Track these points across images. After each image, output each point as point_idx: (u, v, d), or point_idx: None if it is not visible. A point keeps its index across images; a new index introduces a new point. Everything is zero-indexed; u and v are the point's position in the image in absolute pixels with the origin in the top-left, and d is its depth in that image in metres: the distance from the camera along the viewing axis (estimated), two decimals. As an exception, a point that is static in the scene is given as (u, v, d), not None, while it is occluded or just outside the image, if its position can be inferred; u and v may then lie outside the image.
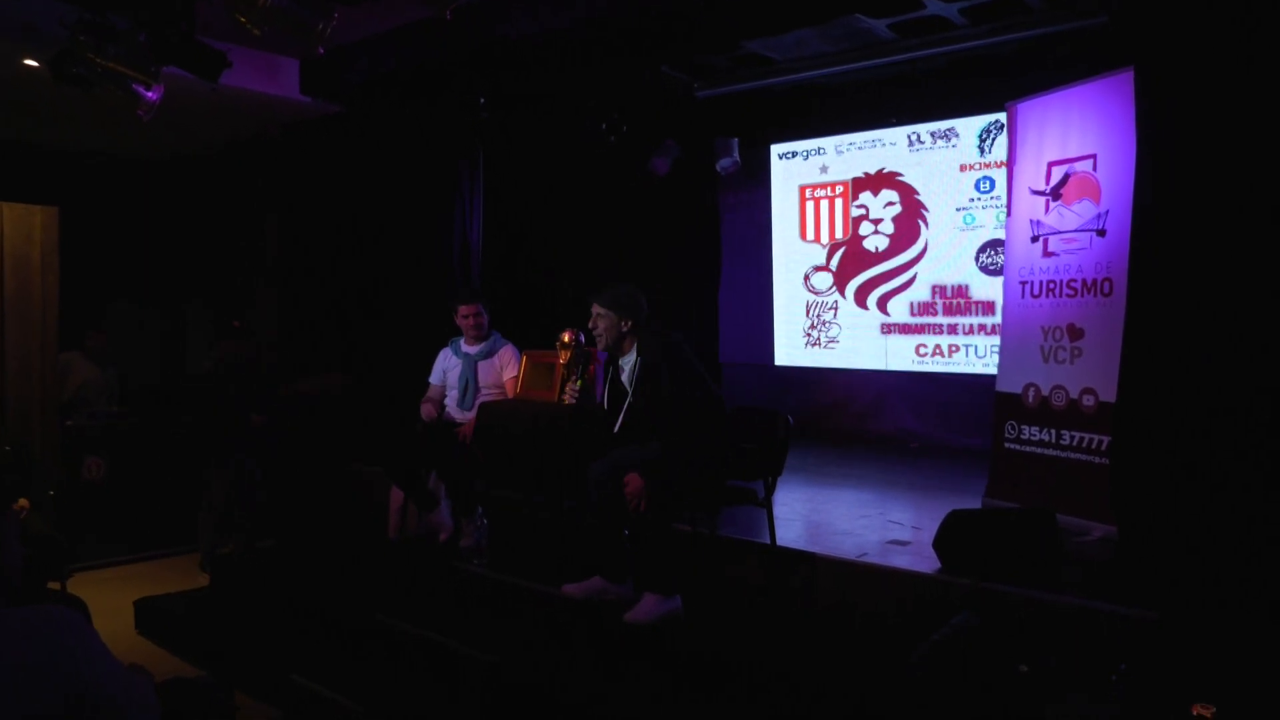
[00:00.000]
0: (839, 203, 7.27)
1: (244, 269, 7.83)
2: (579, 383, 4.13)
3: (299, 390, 6.38)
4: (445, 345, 4.74)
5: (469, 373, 4.56)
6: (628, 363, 3.54)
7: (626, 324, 3.50)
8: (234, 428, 5.04)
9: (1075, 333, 4.09)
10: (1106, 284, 3.96)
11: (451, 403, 4.55)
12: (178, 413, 5.86)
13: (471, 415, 4.43)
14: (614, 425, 3.57)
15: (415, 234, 6.41)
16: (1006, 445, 4.36)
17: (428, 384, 4.72)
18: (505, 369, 4.57)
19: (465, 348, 4.64)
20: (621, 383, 3.59)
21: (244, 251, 7.83)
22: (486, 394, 4.56)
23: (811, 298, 7.45)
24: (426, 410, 4.48)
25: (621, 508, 3.50)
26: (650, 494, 3.23)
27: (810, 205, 7.44)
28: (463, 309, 4.58)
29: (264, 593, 4.34)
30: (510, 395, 4.49)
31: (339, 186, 6.79)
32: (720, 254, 7.65)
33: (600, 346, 3.55)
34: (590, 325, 3.54)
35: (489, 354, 4.59)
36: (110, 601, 4.32)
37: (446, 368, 4.68)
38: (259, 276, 7.67)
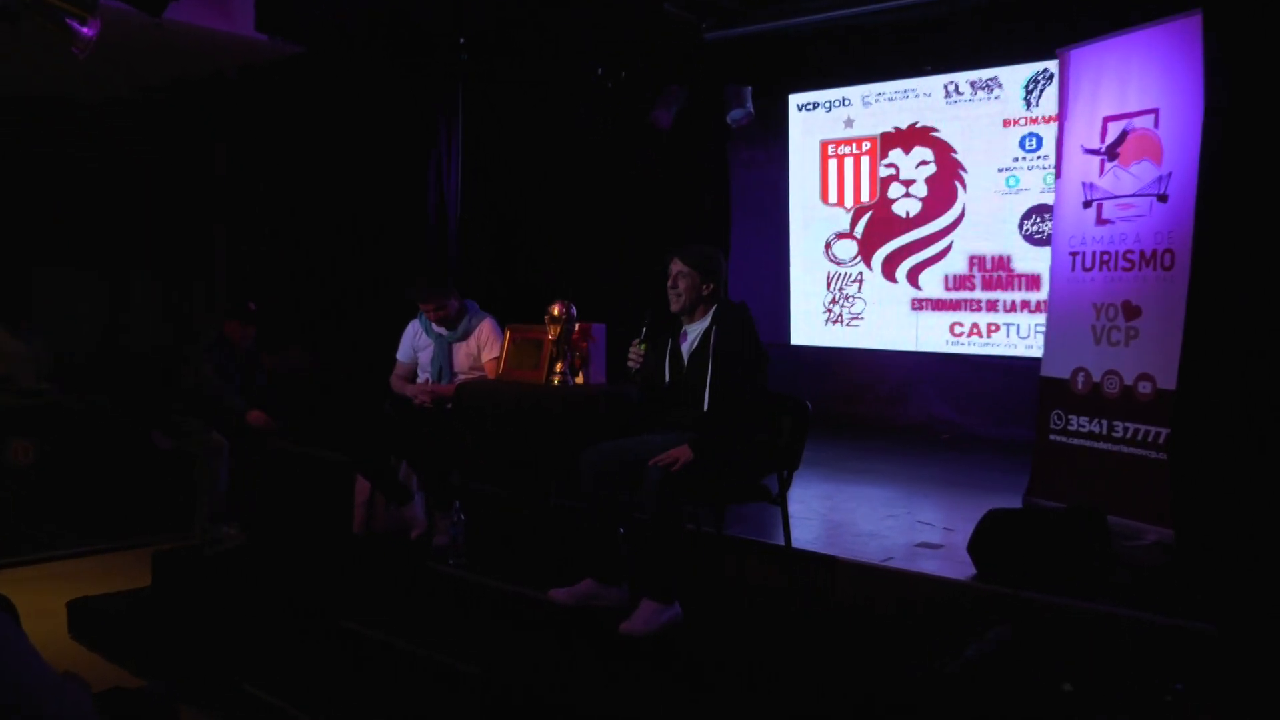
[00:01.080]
0: (865, 161, 7.24)
1: (192, 230, 7.80)
2: (578, 360, 4.13)
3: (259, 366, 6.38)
4: (415, 316, 4.71)
5: (442, 357, 4.55)
6: (694, 330, 3.57)
7: (708, 287, 3.56)
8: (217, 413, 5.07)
9: (1131, 311, 4.08)
10: (1167, 256, 3.95)
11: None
12: (126, 391, 5.87)
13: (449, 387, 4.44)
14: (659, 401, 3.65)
15: (386, 192, 6.38)
16: (1051, 437, 4.36)
17: (395, 361, 4.71)
18: (485, 349, 4.55)
19: (438, 328, 4.62)
20: (679, 351, 3.60)
21: (193, 211, 7.79)
22: (463, 379, 4.55)
23: (833, 269, 7.43)
24: (412, 390, 4.47)
25: (617, 501, 3.51)
26: (665, 484, 3.23)
27: (833, 164, 7.41)
28: (422, 306, 4.54)
29: (214, 593, 4.34)
30: (490, 375, 4.48)
31: (301, 139, 6.75)
32: (730, 218, 7.63)
33: (674, 308, 3.60)
34: (670, 284, 3.59)
35: (464, 334, 4.57)
36: (42, 602, 4.32)
37: (417, 345, 4.66)
38: (210, 239, 7.64)
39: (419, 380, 4.56)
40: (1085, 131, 4.32)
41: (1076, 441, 4.25)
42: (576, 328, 4.17)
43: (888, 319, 7.15)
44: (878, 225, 7.20)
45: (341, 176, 6.55)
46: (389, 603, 3.95)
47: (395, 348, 4.75)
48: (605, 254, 6.98)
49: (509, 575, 3.95)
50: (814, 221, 7.51)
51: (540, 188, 6.97)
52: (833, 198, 7.42)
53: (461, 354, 4.57)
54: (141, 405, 5.56)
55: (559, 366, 4.16)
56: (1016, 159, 6.58)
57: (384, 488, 4.46)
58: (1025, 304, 6.54)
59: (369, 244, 6.41)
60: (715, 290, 3.57)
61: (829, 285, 7.46)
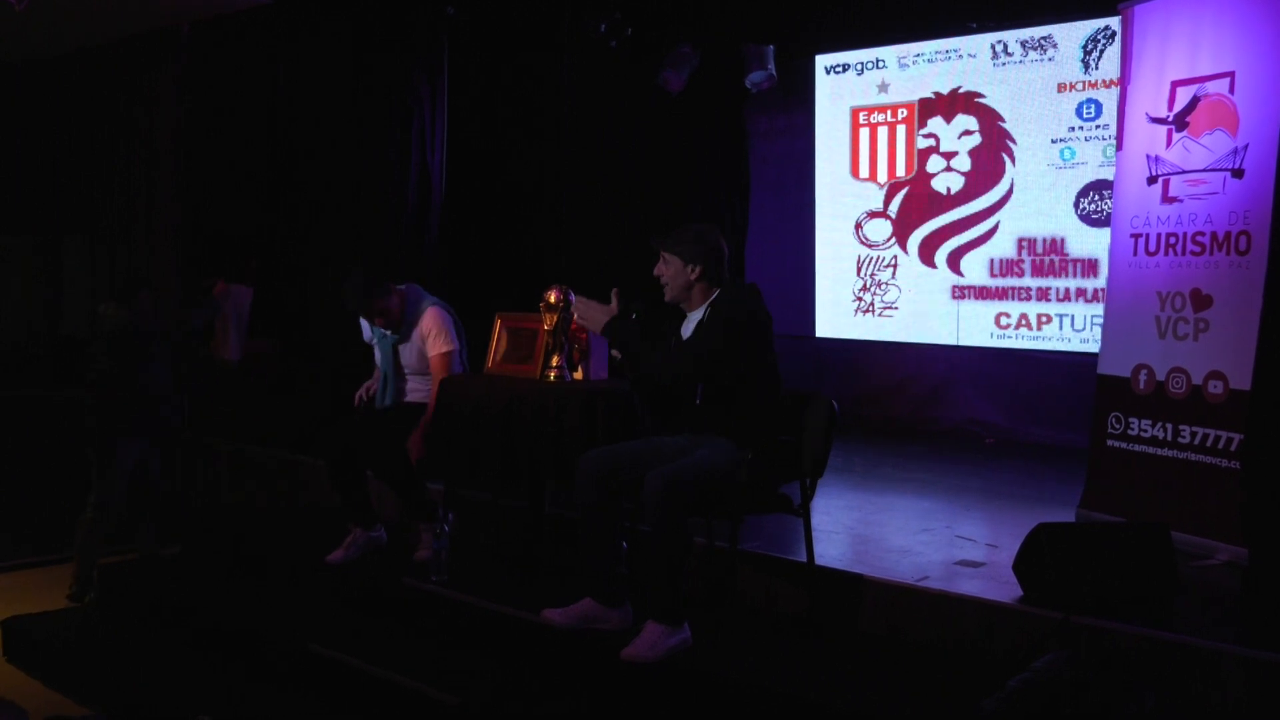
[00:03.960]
0: (901, 131, 7.21)
1: (135, 198, 7.79)
2: (576, 353, 4.12)
3: (213, 354, 6.40)
4: None
5: (388, 361, 4.49)
6: (693, 320, 3.58)
7: (694, 271, 3.54)
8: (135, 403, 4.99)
9: (1201, 300, 4.06)
10: (1243, 239, 3.92)
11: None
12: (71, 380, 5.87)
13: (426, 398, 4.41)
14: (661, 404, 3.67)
15: (362, 163, 6.38)
16: (1109, 443, 4.34)
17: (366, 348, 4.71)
18: (429, 341, 4.41)
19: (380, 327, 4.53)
20: (682, 340, 3.61)
21: (139, 176, 7.79)
22: (415, 386, 4.50)
23: (864, 252, 7.41)
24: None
25: (620, 512, 3.50)
26: (668, 493, 3.22)
27: (865, 134, 7.38)
28: (362, 317, 4.47)
29: (165, 612, 4.35)
30: (438, 375, 4.40)
31: (264, 101, 6.74)
32: (749, 195, 7.61)
33: (666, 298, 3.63)
34: (655, 273, 3.61)
35: (408, 331, 4.45)
36: (-28, 621, 4.35)
37: (370, 342, 4.64)
38: (153, 207, 7.63)
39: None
40: (1151, 97, 4.29)
41: (1137, 448, 4.23)
42: (575, 317, 4.17)
43: (925, 309, 7.13)
44: (915, 203, 7.17)
45: (310, 147, 6.54)
46: (362, 624, 3.96)
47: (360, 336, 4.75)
48: (608, 234, 6.97)
49: (497, 594, 3.94)
50: (843, 199, 7.48)
51: (535, 159, 6.96)
52: (864, 172, 7.40)
53: (408, 354, 4.49)
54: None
55: (555, 360, 4.15)
56: (1072, 129, 6.55)
57: (350, 503, 4.44)
58: (1081, 292, 6.51)
59: (340, 221, 6.40)
60: (706, 273, 3.55)
61: (859, 271, 7.44)
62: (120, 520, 5.02)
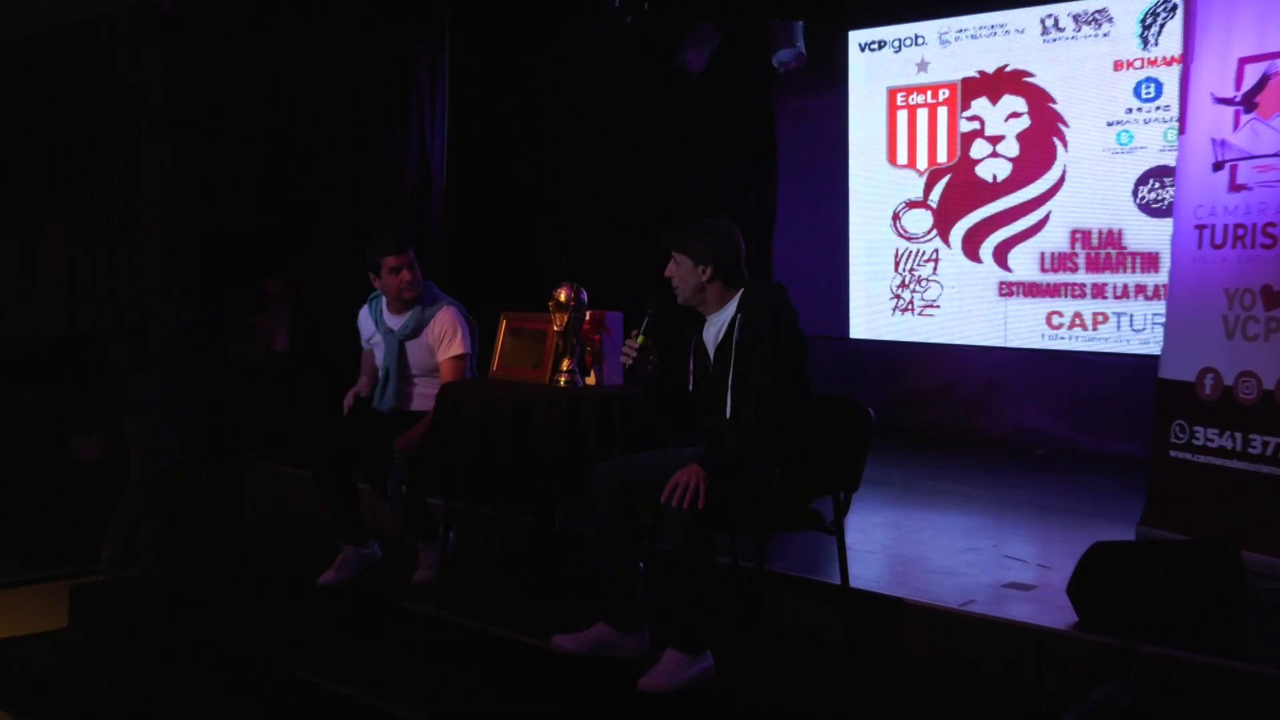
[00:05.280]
0: (943, 113, 7.20)
1: (118, 187, 7.84)
2: (587, 354, 4.13)
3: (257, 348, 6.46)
4: (364, 304, 4.68)
5: (392, 358, 4.48)
6: (716, 323, 3.57)
7: (705, 272, 3.53)
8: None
9: (1273, 298, 4.03)
10: (1319, 230, 3.89)
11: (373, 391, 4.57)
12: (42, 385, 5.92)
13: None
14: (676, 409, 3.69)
15: (355, 150, 6.40)
16: (1172, 454, 4.32)
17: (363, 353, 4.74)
18: (442, 344, 4.44)
19: (389, 319, 4.55)
20: (705, 347, 3.61)
21: (120, 163, 7.84)
22: (422, 391, 4.51)
23: (903, 245, 7.40)
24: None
25: (637, 529, 3.50)
26: (691, 509, 3.22)
27: (903, 117, 7.37)
28: (389, 261, 4.42)
29: (146, 637, 4.37)
30: (447, 380, 4.42)
31: (250, 83, 6.77)
32: (776, 183, 7.60)
33: (679, 301, 3.63)
34: (666, 274, 3.62)
35: (418, 329, 4.48)
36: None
37: (369, 339, 4.66)
38: (137, 197, 7.68)
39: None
40: (1216, 76, 4.26)
41: (1203, 459, 4.20)
42: (587, 317, 4.17)
43: (970, 307, 7.11)
44: (958, 192, 7.15)
45: (301, 132, 6.57)
46: (356, 650, 3.96)
47: (359, 338, 4.77)
48: (623, 228, 6.98)
49: (504, 618, 3.95)
50: (879, 187, 7.47)
51: (544, 146, 6.97)
52: (902, 158, 7.38)
53: (416, 352, 4.49)
54: (65, 404, 5.59)
55: (566, 364, 4.15)
56: (1130, 110, 6.52)
57: (340, 518, 4.45)
58: (1140, 289, 6.48)
59: (336, 215, 6.43)
60: (720, 273, 3.53)
61: (897, 266, 7.42)
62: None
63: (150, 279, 7.10)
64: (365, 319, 4.67)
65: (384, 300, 4.57)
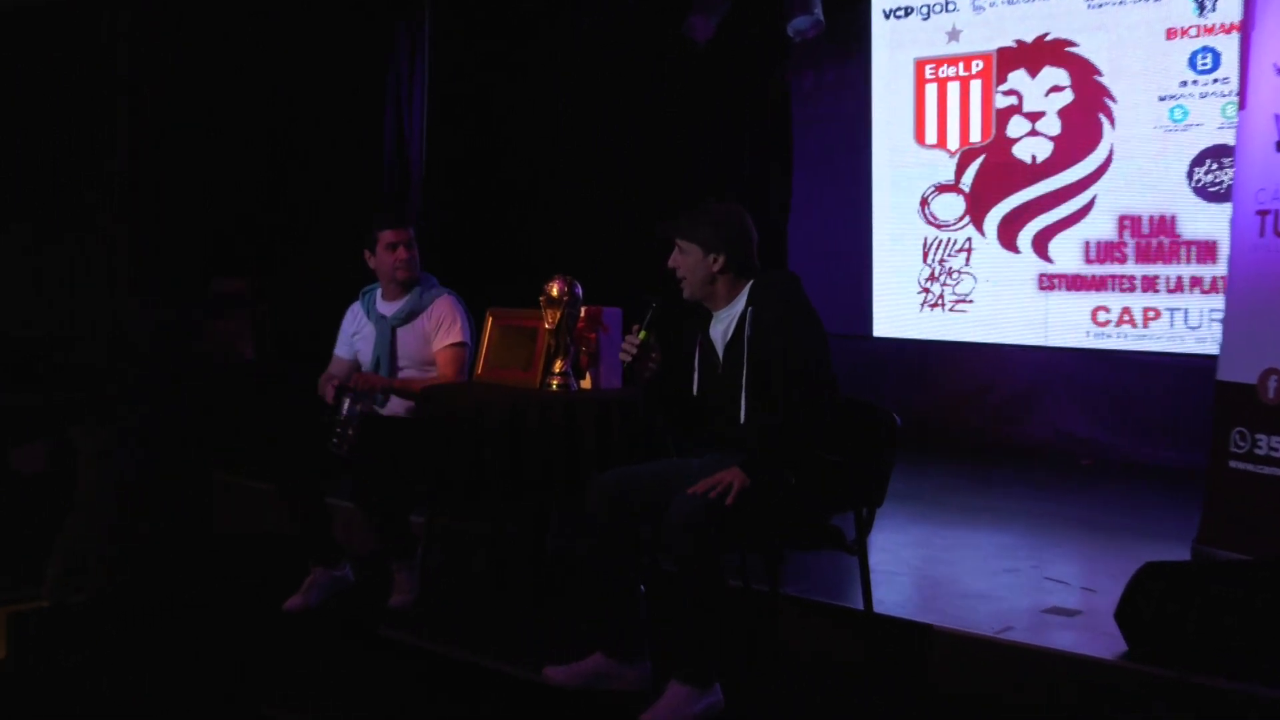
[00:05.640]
0: (976, 87, 7.19)
1: (79, 178, 7.86)
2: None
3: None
4: (355, 300, 4.74)
5: (383, 346, 4.53)
6: (724, 318, 3.57)
7: (717, 261, 3.53)
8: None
9: (1343, 291, 4.02)
10: (1394, 215, 3.89)
11: None
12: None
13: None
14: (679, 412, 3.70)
15: (328, 132, 6.41)
16: (1232, 464, 4.30)
17: (333, 356, 4.75)
18: (440, 332, 4.52)
19: (381, 306, 4.61)
20: (712, 346, 3.60)
21: (80, 153, 7.86)
22: (413, 375, 4.55)
23: (932, 234, 7.39)
24: (324, 391, 4.47)
25: (637, 547, 3.50)
26: (697, 525, 3.22)
27: (932, 91, 7.36)
28: (386, 236, 4.53)
29: (94, 669, 4.36)
30: (448, 376, 4.46)
31: (218, 61, 6.78)
32: (791, 167, 7.58)
33: (685, 295, 3.62)
34: (670, 264, 3.61)
35: (413, 314, 4.55)
36: None
37: (356, 334, 4.68)
38: (99, 191, 7.70)
39: (354, 376, 4.54)
40: None
41: (1266, 470, 4.19)
42: (583, 313, 4.17)
43: (1006, 302, 7.11)
44: (993, 174, 7.15)
45: (272, 115, 6.59)
46: (326, 683, 3.96)
47: (334, 335, 4.78)
48: (621, 215, 6.97)
49: (489, 647, 3.95)
50: (906, 169, 7.47)
51: (534, 129, 6.97)
52: (931, 137, 7.38)
53: (410, 341, 4.54)
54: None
55: (559, 365, 4.15)
56: (1184, 83, 6.51)
57: (310, 537, 4.45)
58: (1196, 281, 6.47)
59: (308, 203, 6.44)
60: (732, 263, 3.54)
61: (926, 257, 7.41)
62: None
63: (108, 278, 7.11)
64: (353, 314, 4.71)
65: (378, 292, 4.65)
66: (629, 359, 3.59)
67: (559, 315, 4.12)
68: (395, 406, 4.55)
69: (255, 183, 6.65)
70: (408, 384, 4.48)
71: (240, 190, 6.72)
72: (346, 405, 4.26)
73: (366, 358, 4.61)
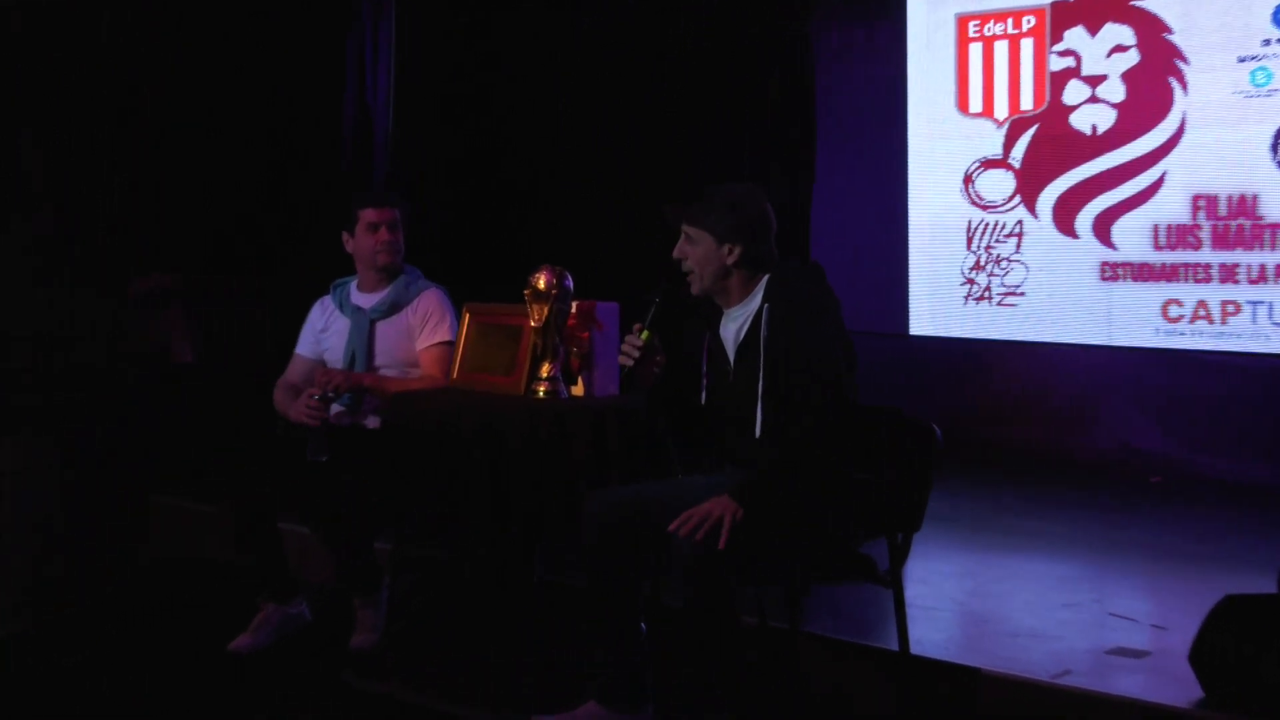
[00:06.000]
0: (1028, 47, 7.20)
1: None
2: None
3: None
4: (325, 294, 4.75)
5: (359, 340, 4.54)
6: (737, 317, 3.57)
7: (732, 252, 3.52)
8: None
9: None
10: None
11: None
12: None
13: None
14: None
15: (281, 101, 6.41)
16: (1323, 480, 4.30)
17: (293, 356, 4.76)
18: (427, 329, 4.56)
19: (358, 297, 4.64)
20: (723, 348, 3.61)
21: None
22: (391, 377, 4.57)
23: (977, 216, 7.40)
24: (296, 409, 4.46)
25: (637, 579, 3.51)
26: (707, 554, 3.21)
27: (976, 52, 7.37)
28: (368, 215, 4.56)
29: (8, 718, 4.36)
30: (434, 377, 4.47)
31: (148, 27, 6.78)
32: (814, 139, 7.57)
33: (694, 290, 3.61)
34: (676, 255, 3.58)
35: (395, 306, 4.58)
36: None
37: (324, 330, 4.68)
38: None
39: (320, 373, 4.54)
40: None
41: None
42: (574, 308, 4.16)
43: (1063, 294, 7.12)
44: (1048, 147, 7.16)
45: (214, 83, 6.59)
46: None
47: (292, 331, 4.78)
48: (620, 197, 6.97)
49: (467, 694, 3.94)
50: (947, 142, 7.48)
51: (519, 91, 6.97)
52: (976, 105, 7.38)
53: (390, 337, 4.56)
54: None
55: (547, 369, 4.14)
56: (1268, 42, 6.52)
57: (263, 569, 4.45)
58: (1281, 271, 6.48)
59: (255, 184, 6.45)
60: (749, 254, 3.53)
61: (970, 243, 7.42)
62: None
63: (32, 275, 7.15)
64: (321, 307, 4.73)
65: (352, 283, 4.69)
66: (630, 363, 3.59)
67: (546, 311, 4.10)
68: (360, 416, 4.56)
69: (188, 167, 6.64)
70: (382, 384, 4.48)
71: (173, 176, 6.72)
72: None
73: (337, 356, 4.60)
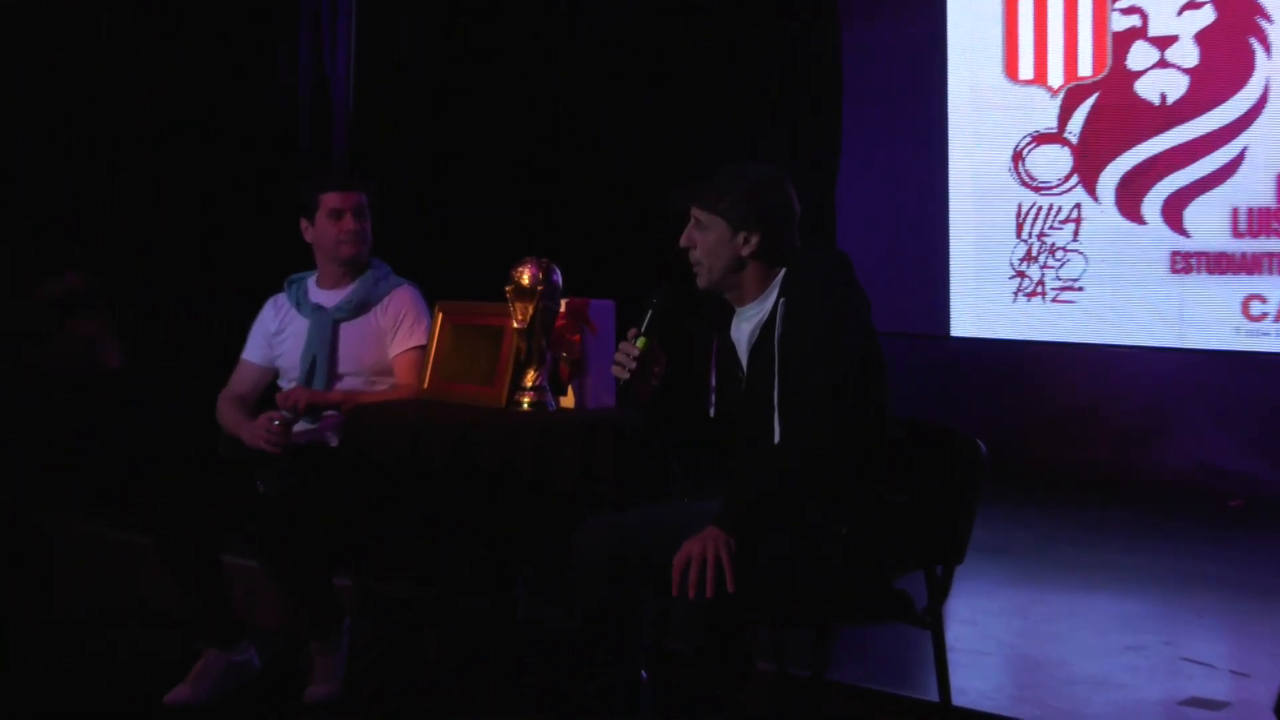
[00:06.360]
0: (1086, 3, 7.21)
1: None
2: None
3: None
4: (278, 290, 4.74)
5: (321, 344, 4.54)
6: (751, 316, 3.56)
7: (748, 241, 3.51)
8: None
9: None
10: None
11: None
12: None
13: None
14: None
15: (224, 69, 6.42)
16: None
17: (240, 363, 4.75)
18: (401, 332, 4.55)
19: (318, 295, 4.64)
20: (734, 352, 3.60)
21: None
22: (358, 387, 4.57)
23: (1028, 199, 7.41)
24: (249, 432, 4.46)
25: (636, 621, 3.50)
26: (717, 593, 3.21)
27: (1027, 9, 7.39)
28: (330, 200, 4.54)
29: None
30: (411, 386, 4.49)
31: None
32: (840, 108, 7.58)
33: (701, 284, 3.60)
34: (683, 243, 3.58)
35: (363, 305, 4.58)
36: None
37: (278, 333, 4.69)
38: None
39: (281, 394, 4.54)
40: None
41: None
42: (563, 307, 4.16)
43: (1128, 290, 7.13)
44: (1110, 119, 7.17)
45: (151, 48, 6.61)
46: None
47: (240, 333, 4.78)
48: (617, 178, 6.98)
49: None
50: (993, 113, 7.50)
51: (498, 58, 6.98)
52: (1027, 70, 7.39)
53: (357, 340, 4.55)
54: None
55: (532, 377, 4.15)
56: (1362, -3, 6.53)
57: (202, 611, 4.45)
58: (1380, 261, 6.49)
59: (195, 164, 6.46)
60: (768, 244, 3.51)
61: (1021, 230, 7.42)
62: None
63: None
64: (274, 307, 4.72)
65: (310, 279, 4.68)
66: (625, 375, 3.58)
67: (531, 310, 4.11)
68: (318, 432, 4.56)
69: (112, 147, 6.67)
70: (353, 399, 4.46)
71: (89, 157, 6.75)
72: (265, 483, 4.26)
73: (293, 362, 4.59)
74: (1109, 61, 7.14)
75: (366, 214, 4.60)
